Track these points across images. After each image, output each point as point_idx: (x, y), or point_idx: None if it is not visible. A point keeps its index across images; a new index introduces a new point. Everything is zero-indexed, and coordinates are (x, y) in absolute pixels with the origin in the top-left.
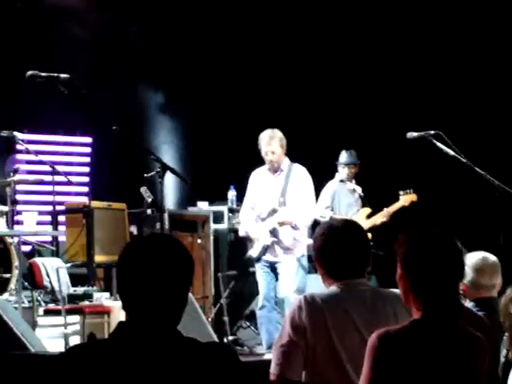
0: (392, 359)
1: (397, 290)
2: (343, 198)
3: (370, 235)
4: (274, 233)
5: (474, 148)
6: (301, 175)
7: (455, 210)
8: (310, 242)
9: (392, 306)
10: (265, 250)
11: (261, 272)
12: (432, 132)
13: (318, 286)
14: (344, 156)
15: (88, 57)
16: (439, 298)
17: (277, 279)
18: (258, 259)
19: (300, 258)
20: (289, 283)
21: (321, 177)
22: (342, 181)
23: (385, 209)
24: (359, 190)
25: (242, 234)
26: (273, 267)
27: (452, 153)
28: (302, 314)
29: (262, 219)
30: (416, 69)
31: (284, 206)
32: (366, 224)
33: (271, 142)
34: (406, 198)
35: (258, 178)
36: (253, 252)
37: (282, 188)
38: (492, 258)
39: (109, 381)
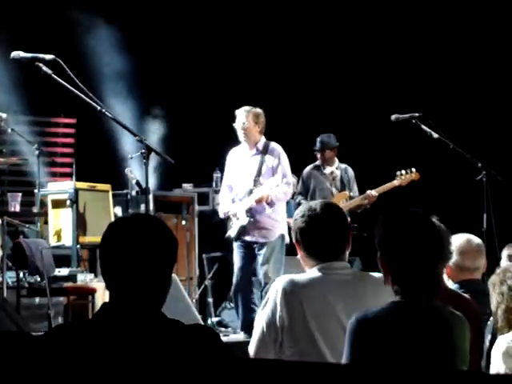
0: (371, 341)
1: (379, 274)
2: (317, 183)
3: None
4: (250, 213)
5: (459, 130)
6: (276, 152)
7: (439, 193)
8: (289, 220)
9: (374, 290)
10: (242, 230)
11: (237, 252)
12: (416, 114)
13: (295, 266)
14: (317, 141)
15: None
16: (416, 279)
17: (254, 259)
18: (236, 239)
19: (278, 238)
20: (265, 264)
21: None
22: (316, 165)
23: (368, 191)
24: (338, 173)
25: (221, 215)
26: (250, 247)
27: (436, 135)
28: (278, 298)
29: (240, 200)
30: (401, 51)
31: (260, 185)
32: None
33: (245, 114)
34: (403, 178)
35: (234, 157)
36: (231, 232)
37: (257, 167)
38: (476, 240)
39: (91, 361)
